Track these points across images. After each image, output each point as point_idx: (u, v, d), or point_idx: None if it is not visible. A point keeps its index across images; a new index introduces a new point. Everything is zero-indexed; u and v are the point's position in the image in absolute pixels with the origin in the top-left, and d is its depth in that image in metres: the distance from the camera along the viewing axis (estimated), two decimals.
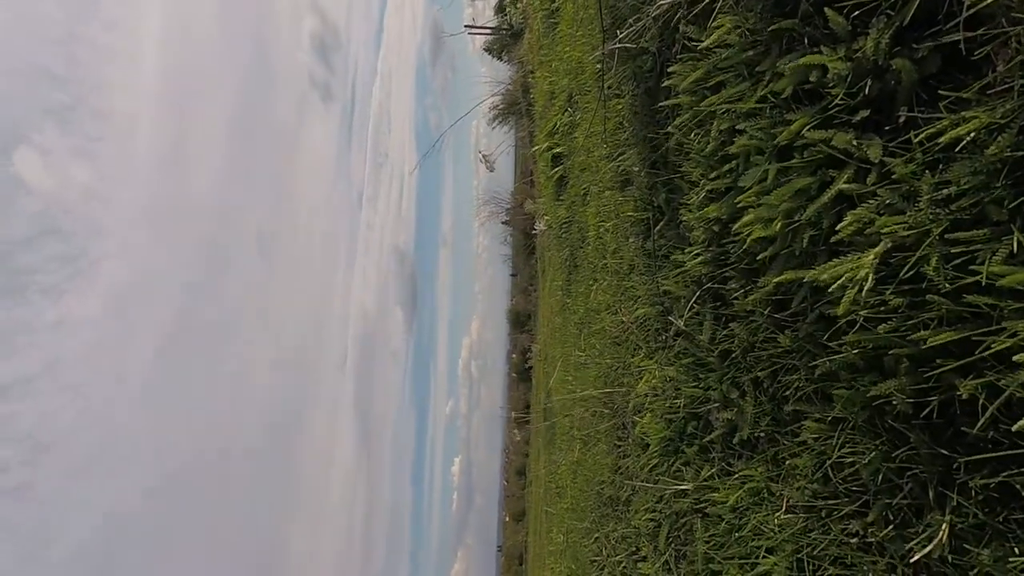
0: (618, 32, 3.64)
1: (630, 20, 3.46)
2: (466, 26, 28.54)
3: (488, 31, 27.51)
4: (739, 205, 2.58)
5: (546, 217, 7.94)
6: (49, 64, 18.44)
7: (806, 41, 2.23)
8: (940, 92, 1.84)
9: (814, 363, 2.37)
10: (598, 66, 4.33)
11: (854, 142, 2.00)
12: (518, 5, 13.37)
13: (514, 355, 29.82)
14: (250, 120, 30.96)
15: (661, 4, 3.11)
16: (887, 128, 1.96)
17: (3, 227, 16.75)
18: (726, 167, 2.72)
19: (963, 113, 1.67)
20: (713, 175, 2.85)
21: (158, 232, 22.28)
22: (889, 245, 1.88)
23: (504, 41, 23.21)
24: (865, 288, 1.86)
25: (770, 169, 2.35)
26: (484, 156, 17.81)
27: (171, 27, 24.64)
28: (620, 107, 4.05)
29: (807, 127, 2.16)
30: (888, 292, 1.89)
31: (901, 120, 1.92)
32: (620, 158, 4.21)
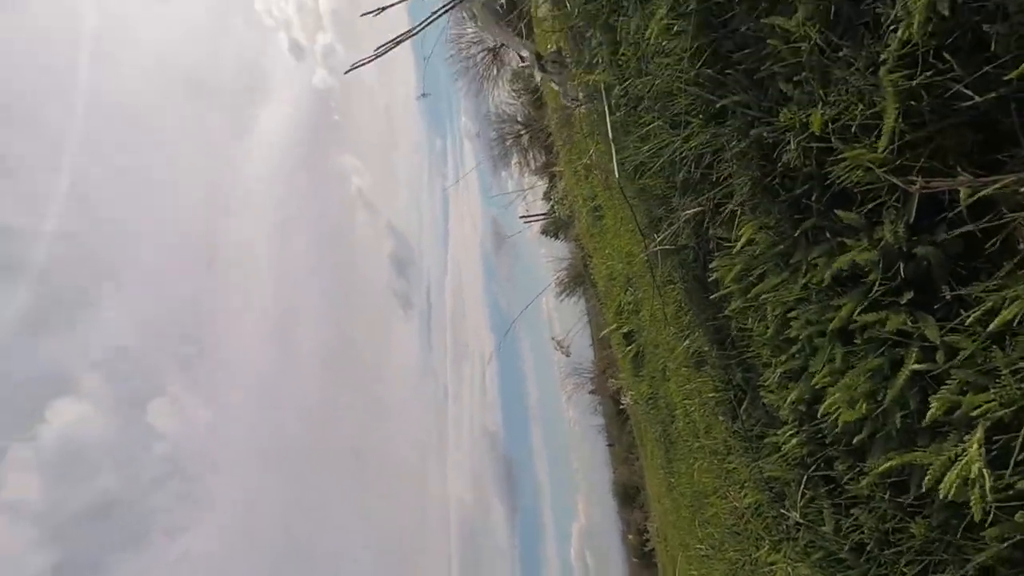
0: (655, 235, 3.97)
1: (664, 224, 3.83)
2: (520, 217, 31.71)
3: (541, 217, 30.37)
4: (817, 387, 2.57)
5: (631, 392, 7.90)
6: (181, 322, 21.91)
7: (828, 233, 2.43)
8: (976, 266, 1.92)
9: (965, 557, 2.12)
10: (646, 260, 4.63)
11: (908, 322, 2.04)
12: (563, 202, 14.99)
13: (630, 535, 27.12)
14: (341, 339, 34.37)
15: (687, 212, 3.45)
16: (936, 306, 2.01)
17: (136, 474, 18.36)
18: (792, 349, 2.77)
19: (1005, 293, 1.72)
20: (782, 357, 2.89)
21: (265, 460, 23.67)
22: (988, 425, 1.81)
23: (558, 223, 25.41)
24: (986, 486, 1.75)
25: (836, 352, 2.39)
26: (559, 343, 18.45)
27: (276, 275, 29.11)
28: (676, 292, 4.29)
29: (857, 311, 2.24)
30: (1009, 476, 1.77)
31: (947, 298, 1.97)
32: (688, 339, 4.33)
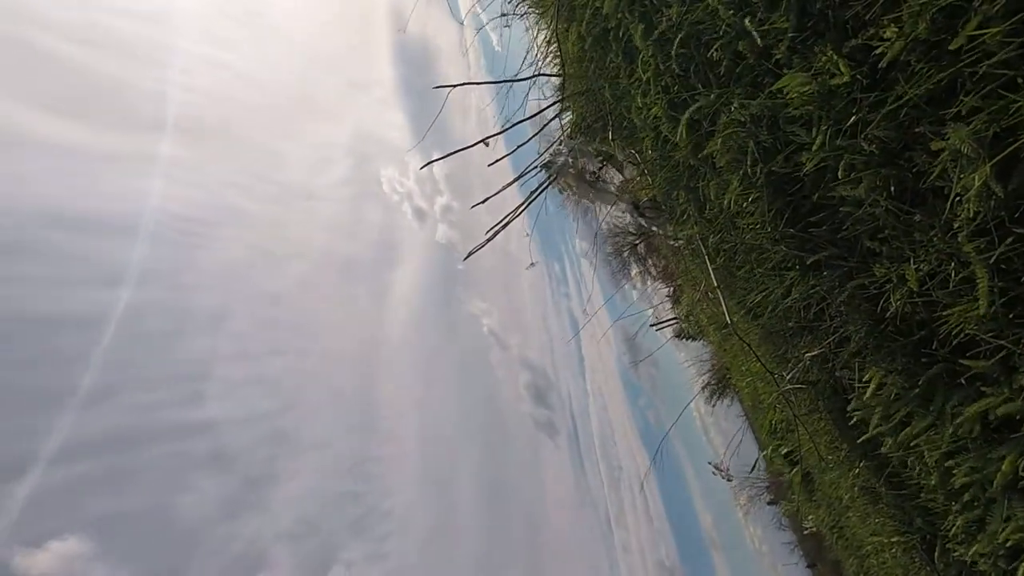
0: (783, 373, 4.00)
1: (790, 361, 3.87)
2: (652, 326, 31.28)
3: (672, 321, 29.73)
4: (1008, 544, 2.37)
5: (810, 517, 7.12)
6: (349, 484, 23.75)
7: (963, 380, 2.39)
8: None
9: None
10: (780, 396, 4.59)
11: None
12: (689, 319, 14.85)
13: None
14: (497, 479, 34.67)
15: (809, 353, 3.52)
16: None
17: None
18: (965, 497, 2.60)
19: None
20: (957, 506, 2.70)
21: None
22: None
23: (693, 326, 24.66)
24: None
25: (1016, 508, 2.24)
26: (717, 467, 17.08)
27: (427, 424, 30.99)
28: (823, 422, 4.16)
29: (1020, 464, 2.14)
30: None
31: None
32: (853, 474, 4.11)
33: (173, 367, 20.44)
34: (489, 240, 6.51)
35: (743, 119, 3.12)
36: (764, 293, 3.65)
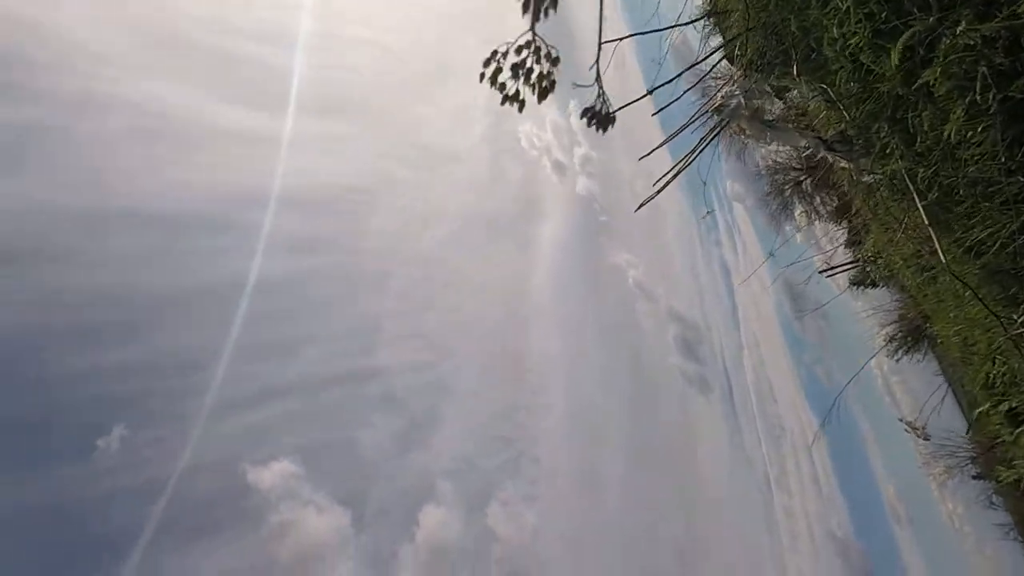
0: (1013, 315, 3.91)
1: (1021, 301, 3.76)
2: (820, 271, 28.82)
3: (847, 267, 27.09)
4: None
5: None
6: (502, 430, 25.80)
7: None
8: None
9: None
10: (1009, 340, 4.42)
11: None
12: (877, 262, 13.57)
13: None
14: (645, 431, 35.15)
15: None
16: None
17: (484, 574, 21.33)
18: None
19: None
20: None
21: (590, 561, 25.03)
22: None
23: (875, 272, 22.31)
24: None
25: None
26: (911, 425, 15.62)
27: (573, 375, 32.19)
28: None
29: None
30: None
31: None
32: None
33: (349, 322, 23.65)
34: (660, 191, 6.70)
35: (972, 42, 2.96)
36: (992, 229, 3.51)
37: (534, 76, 3.05)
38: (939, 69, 3.29)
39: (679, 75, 6.07)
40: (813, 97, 5.46)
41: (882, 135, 4.49)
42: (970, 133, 3.36)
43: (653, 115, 6.94)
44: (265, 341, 20.69)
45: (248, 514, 16.90)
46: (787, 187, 25.93)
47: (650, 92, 5.97)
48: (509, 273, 32.92)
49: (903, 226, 5.53)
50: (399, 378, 24.07)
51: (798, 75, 4.97)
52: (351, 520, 18.67)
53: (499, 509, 23.30)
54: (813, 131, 6.33)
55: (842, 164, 5.84)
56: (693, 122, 6.81)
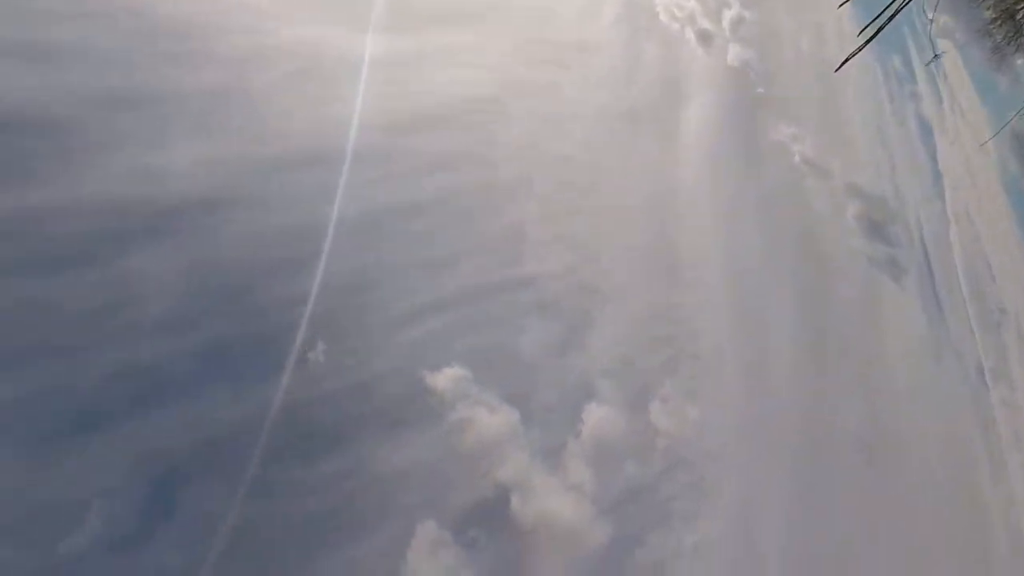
0: None
1: None
2: None
3: None
4: None
5: None
6: (658, 328, 25.90)
7: None
8: None
9: None
10: None
11: None
12: None
13: None
14: (820, 322, 32.64)
15: None
16: None
17: (649, 466, 22.42)
18: None
19: None
20: None
21: (761, 452, 24.90)
22: None
23: None
24: None
25: None
26: None
27: (734, 266, 30.63)
28: None
29: None
30: None
31: None
32: None
33: (495, 233, 24.96)
34: (864, 46, 5.98)
35: None
36: None
37: None
38: None
39: None
40: None
41: None
42: None
43: None
44: (423, 259, 22.90)
45: (429, 413, 19.53)
46: (1020, 9, 21.09)
47: None
48: (656, 165, 31.45)
49: None
50: (550, 284, 25.11)
51: None
52: (520, 418, 20.60)
53: (661, 406, 23.97)
54: None
55: None
56: None
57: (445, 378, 20.09)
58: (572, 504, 19.65)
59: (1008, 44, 21.59)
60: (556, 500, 19.65)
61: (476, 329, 22.18)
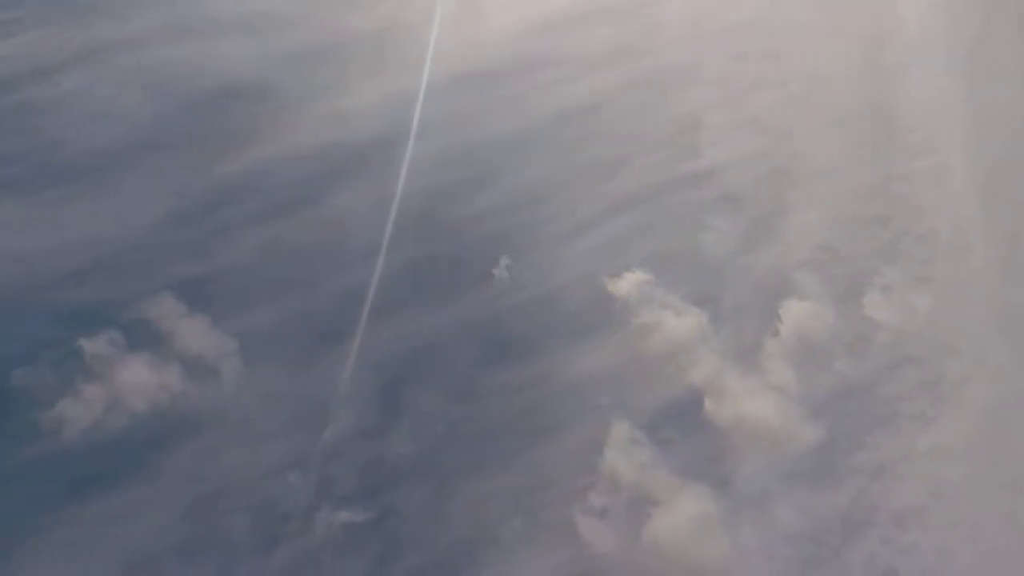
0: None
1: None
2: None
3: None
4: None
5: None
6: (870, 210, 22.80)
7: None
8: None
9: None
10: None
11: None
12: None
13: None
14: None
15: None
16: None
17: (865, 362, 20.40)
18: None
19: None
20: None
21: (1009, 344, 21.18)
22: None
23: None
24: None
25: None
26: None
27: (966, 123, 25.32)
28: None
29: None
30: None
31: None
32: None
33: (668, 126, 23.70)
34: None
35: None
36: None
37: None
38: None
39: None
40: None
41: None
42: None
43: None
44: (595, 161, 22.81)
45: (614, 319, 19.97)
46: None
47: None
48: (858, 15, 26.55)
49: None
50: (734, 174, 23.35)
51: None
52: (709, 318, 20.09)
53: (879, 296, 21.45)
54: None
55: None
56: None
57: (627, 283, 20.28)
58: (773, 404, 18.97)
59: None
60: (755, 400, 19.10)
61: (656, 231, 21.77)
